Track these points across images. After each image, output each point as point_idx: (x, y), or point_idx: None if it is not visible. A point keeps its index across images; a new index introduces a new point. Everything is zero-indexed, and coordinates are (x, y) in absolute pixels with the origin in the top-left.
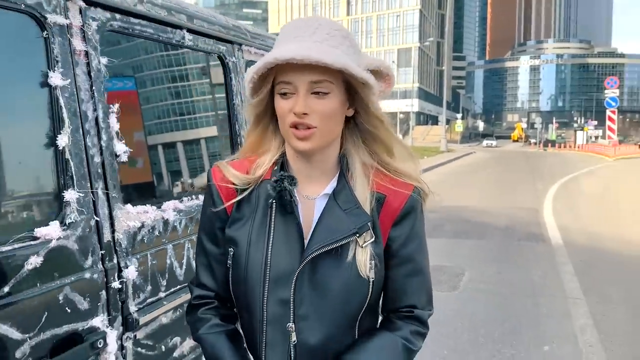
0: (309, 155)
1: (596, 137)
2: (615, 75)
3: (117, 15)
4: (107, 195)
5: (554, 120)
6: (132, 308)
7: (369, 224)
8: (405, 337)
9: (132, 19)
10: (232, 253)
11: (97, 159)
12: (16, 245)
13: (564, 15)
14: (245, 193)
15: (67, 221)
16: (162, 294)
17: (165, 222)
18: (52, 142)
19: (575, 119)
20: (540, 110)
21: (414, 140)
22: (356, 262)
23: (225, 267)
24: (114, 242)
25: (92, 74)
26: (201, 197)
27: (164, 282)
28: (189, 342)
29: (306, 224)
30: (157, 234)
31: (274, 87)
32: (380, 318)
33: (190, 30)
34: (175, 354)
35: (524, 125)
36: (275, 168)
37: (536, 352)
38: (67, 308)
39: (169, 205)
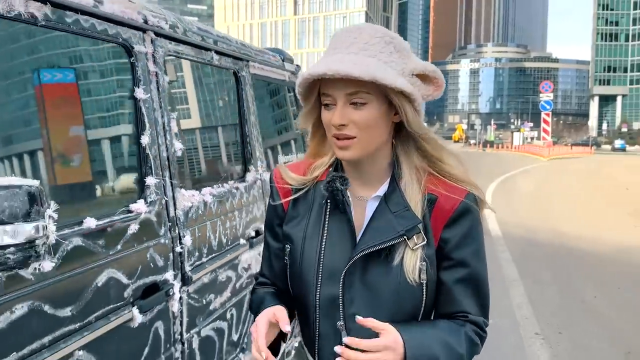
0: (354, 162)
1: (532, 139)
2: (549, 79)
3: (173, 43)
4: (171, 181)
5: (492, 122)
6: (188, 268)
7: (420, 226)
8: (467, 331)
9: (182, 46)
10: (288, 249)
11: (164, 154)
12: (121, 216)
13: (503, 20)
14: (301, 192)
15: (149, 200)
16: (204, 259)
17: (205, 204)
18: (137, 141)
19: (512, 120)
20: (480, 112)
21: None
22: (404, 265)
23: (283, 262)
24: (176, 217)
25: (159, 89)
26: (225, 186)
27: (205, 251)
28: (220, 299)
29: (357, 225)
30: (200, 212)
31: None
32: None
33: (216, 52)
34: (211, 307)
35: (465, 127)
36: (331, 170)
37: None
38: (151, 264)
39: (206, 190)
